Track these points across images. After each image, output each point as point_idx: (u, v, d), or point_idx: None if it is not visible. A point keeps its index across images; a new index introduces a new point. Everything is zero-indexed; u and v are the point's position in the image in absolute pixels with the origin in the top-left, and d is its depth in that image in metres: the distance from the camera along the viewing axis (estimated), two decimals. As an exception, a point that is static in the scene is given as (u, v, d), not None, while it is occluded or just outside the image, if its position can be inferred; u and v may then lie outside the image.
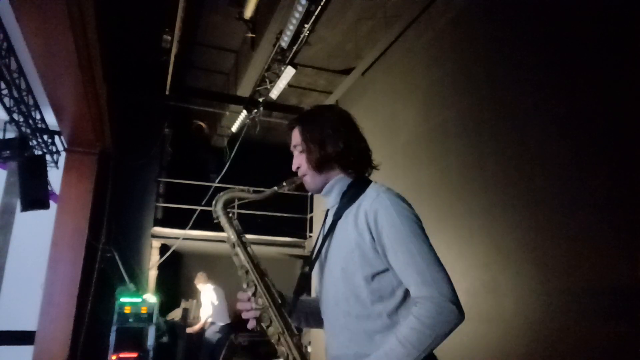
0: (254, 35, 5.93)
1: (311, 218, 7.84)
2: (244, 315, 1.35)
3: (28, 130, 5.08)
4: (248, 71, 6.22)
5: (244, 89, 6.57)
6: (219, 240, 7.77)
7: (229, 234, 1.41)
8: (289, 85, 5.74)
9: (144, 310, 5.68)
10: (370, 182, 1.40)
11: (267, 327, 1.31)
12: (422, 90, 4.38)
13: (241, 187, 1.44)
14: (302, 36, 4.55)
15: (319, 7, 4.12)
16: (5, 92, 4.38)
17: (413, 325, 1.15)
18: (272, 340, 1.30)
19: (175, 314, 7.14)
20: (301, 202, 8.11)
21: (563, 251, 2.67)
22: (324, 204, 1.49)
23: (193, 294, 7.48)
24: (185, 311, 7.12)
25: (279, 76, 5.36)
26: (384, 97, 5.14)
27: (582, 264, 2.54)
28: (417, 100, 4.39)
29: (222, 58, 7.12)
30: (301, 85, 7.24)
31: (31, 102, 4.91)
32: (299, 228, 8.10)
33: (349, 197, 1.36)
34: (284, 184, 1.42)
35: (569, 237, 2.64)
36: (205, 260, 8.07)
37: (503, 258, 3.01)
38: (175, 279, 8.54)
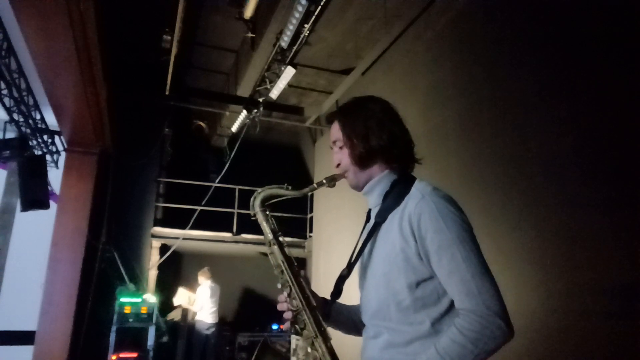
0: (254, 35, 5.93)
1: (311, 218, 7.84)
2: (284, 316, 1.32)
3: (28, 130, 5.08)
4: (248, 71, 6.22)
5: (244, 89, 6.57)
6: (218, 240, 7.79)
7: (265, 231, 1.37)
8: (289, 85, 5.74)
9: (144, 310, 5.69)
10: (414, 179, 1.32)
11: (302, 329, 1.28)
12: (422, 90, 4.38)
13: (279, 185, 1.37)
14: (302, 36, 4.55)
15: (319, 7, 4.12)
16: (5, 92, 4.37)
17: (454, 338, 1.08)
18: (307, 344, 1.27)
19: (175, 314, 7.15)
20: (301, 202, 8.11)
21: (563, 251, 2.67)
22: (366, 203, 1.41)
23: (193, 292, 7.49)
24: (185, 311, 7.14)
25: (279, 76, 5.36)
26: (383, 98, 5.13)
27: (582, 264, 2.54)
28: (417, 101, 4.39)
29: (222, 58, 7.12)
30: (301, 85, 7.24)
31: (31, 102, 4.91)
32: (299, 228, 8.11)
33: (393, 197, 1.28)
34: (324, 180, 1.34)
35: (569, 237, 2.63)
36: (205, 260, 8.07)
37: (503, 258, 3.01)
38: (175, 279, 8.53)
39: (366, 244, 1.32)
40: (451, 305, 1.18)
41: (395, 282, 1.21)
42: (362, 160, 1.31)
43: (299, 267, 1.35)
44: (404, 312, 1.20)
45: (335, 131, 1.37)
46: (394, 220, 1.24)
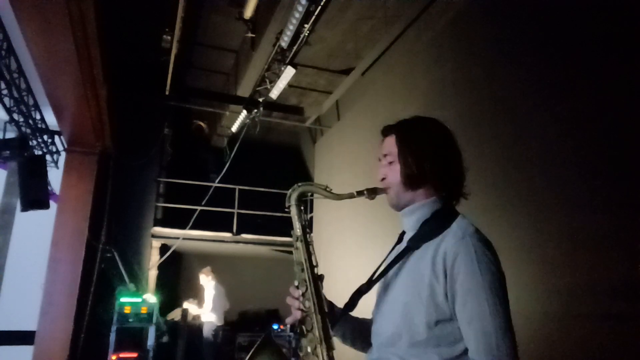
0: (254, 35, 5.93)
1: (311, 218, 7.85)
2: (293, 311, 1.29)
3: (28, 130, 5.08)
4: (248, 71, 6.23)
5: (244, 89, 6.57)
6: (218, 240, 7.79)
7: (295, 226, 1.35)
8: (289, 85, 5.74)
9: (144, 310, 5.69)
10: (457, 214, 1.27)
11: (307, 332, 1.25)
12: (421, 90, 4.38)
13: (320, 184, 1.35)
14: (302, 36, 4.55)
15: (319, 7, 4.12)
16: (5, 92, 4.37)
17: None
18: (308, 348, 1.24)
19: (175, 314, 7.14)
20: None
21: (563, 251, 2.67)
22: (400, 224, 1.37)
23: (193, 293, 7.49)
24: (185, 311, 7.13)
25: (279, 76, 5.36)
26: (383, 97, 5.14)
27: (582, 264, 2.54)
28: (417, 101, 4.39)
29: (222, 58, 7.13)
30: (301, 85, 7.25)
31: (31, 102, 4.91)
32: (299, 228, 8.09)
33: (432, 227, 1.23)
34: (365, 192, 1.31)
35: (569, 237, 2.64)
36: (205, 260, 8.07)
37: (503, 258, 3.00)
38: (175, 279, 8.53)
39: (392, 266, 1.28)
40: (465, 352, 1.15)
41: (415, 315, 1.18)
42: (411, 181, 1.27)
43: (320, 274, 1.32)
44: (415, 346, 1.18)
45: (390, 145, 1.33)
46: (427, 251, 1.20)
